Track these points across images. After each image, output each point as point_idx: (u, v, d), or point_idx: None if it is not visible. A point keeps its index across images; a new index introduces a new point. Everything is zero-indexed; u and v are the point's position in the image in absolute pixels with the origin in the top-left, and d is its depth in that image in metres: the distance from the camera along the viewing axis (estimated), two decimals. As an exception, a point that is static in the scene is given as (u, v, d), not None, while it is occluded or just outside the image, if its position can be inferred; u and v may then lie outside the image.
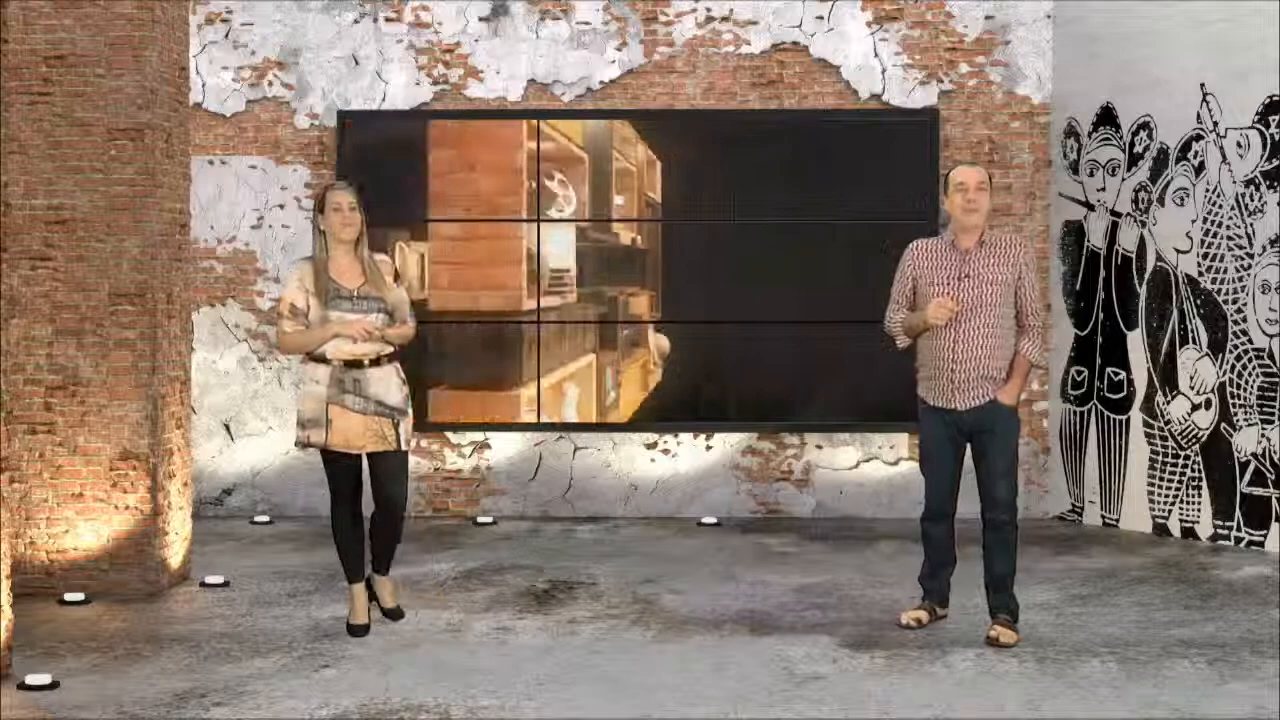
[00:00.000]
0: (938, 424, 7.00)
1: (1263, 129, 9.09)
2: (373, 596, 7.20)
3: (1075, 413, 10.19)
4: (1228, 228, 9.25)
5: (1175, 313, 9.52)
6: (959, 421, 6.94)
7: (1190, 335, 9.44)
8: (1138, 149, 9.78)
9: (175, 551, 8.11)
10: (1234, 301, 9.20)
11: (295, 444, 6.94)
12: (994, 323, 6.86)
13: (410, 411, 6.95)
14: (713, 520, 10.17)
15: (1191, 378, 9.43)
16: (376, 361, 6.81)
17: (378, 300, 6.82)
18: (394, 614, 7.17)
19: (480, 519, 10.20)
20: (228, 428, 10.50)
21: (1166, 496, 9.60)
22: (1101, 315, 9.98)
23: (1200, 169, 9.41)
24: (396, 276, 6.98)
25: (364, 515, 7.08)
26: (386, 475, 6.90)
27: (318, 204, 6.88)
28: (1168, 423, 9.57)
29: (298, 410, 6.89)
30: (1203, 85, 9.39)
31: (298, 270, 6.88)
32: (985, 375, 6.87)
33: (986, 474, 6.95)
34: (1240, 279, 9.17)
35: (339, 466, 6.91)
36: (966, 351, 6.87)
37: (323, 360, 6.78)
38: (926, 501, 7.17)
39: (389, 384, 6.84)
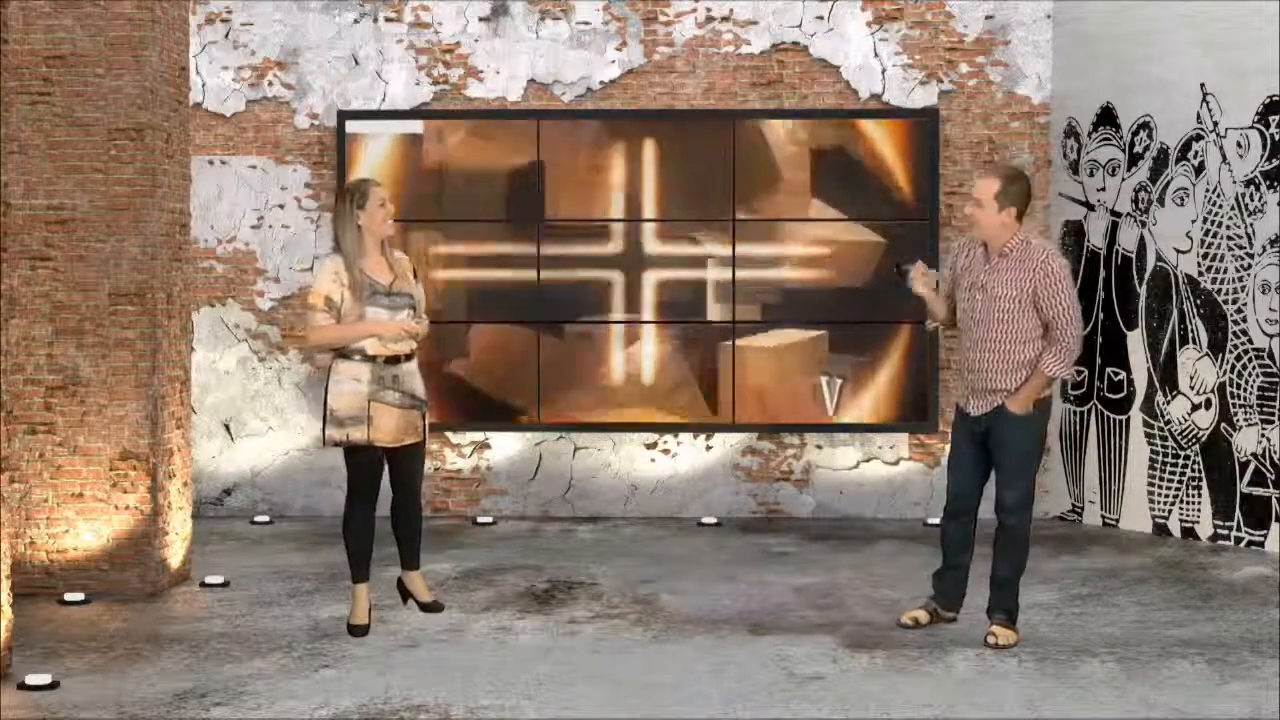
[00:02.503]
0: (960, 424, 7.14)
1: (1263, 129, 9.09)
2: (406, 596, 7.25)
3: (1075, 413, 10.19)
4: (1228, 228, 9.25)
5: (1175, 313, 9.52)
6: (975, 425, 7.03)
7: (1190, 335, 9.44)
8: (1138, 149, 9.78)
9: (175, 551, 8.11)
10: (1234, 301, 9.19)
11: (328, 443, 6.95)
12: (1004, 335, 6.87)
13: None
14: (713, 520, 10.17)
15: (1191, 378, 9.43)
16: (410, 356, 6.99)
17: (408, 297, 6.98)
18: (434, 607, 7.21)
19: (480, 519, 10.20)
20: (228, 428, 10.50)
21: (1166, 496, 9.60)
22: (1101, 315, 9.98)
23: (1200, 169, 9.41)
24: (415, 274, 7.14)
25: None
26: (410, 464, 7.07)
27: (355, 199, 6.92)
28: (1168, 423, 9.57)
29: (330, 409, 6.88)
30: (1203, 85, 9.39)
31: (331, 263, 6.92)
32: (992, 387, 6.93)
33: (997, 478, 7.04)
34: (1240, 279, 9.17)
35: (369, 462, 6.96)
36: (979, 360, 6.94)
37: (362, 358, 6.86)
38: (946, 499, 7.27)
39: (416, 377, 7.03)
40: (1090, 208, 10.09)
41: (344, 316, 6.83)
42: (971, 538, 7.20)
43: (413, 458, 7.07)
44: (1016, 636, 6.88)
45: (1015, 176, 6.97)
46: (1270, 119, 9.05)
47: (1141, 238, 9.74)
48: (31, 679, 6.15)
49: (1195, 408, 9.41)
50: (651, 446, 10.43)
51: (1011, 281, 6.85)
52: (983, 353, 6.91)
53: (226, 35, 10.44)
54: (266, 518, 10.25)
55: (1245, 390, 9.14)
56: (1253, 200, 9.13)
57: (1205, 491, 9.37)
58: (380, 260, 6.96)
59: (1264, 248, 9.06)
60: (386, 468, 7.03)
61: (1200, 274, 9.38)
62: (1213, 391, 9.31)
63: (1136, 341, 9.76)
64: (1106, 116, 9.97)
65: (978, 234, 6.95)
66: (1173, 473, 9.55)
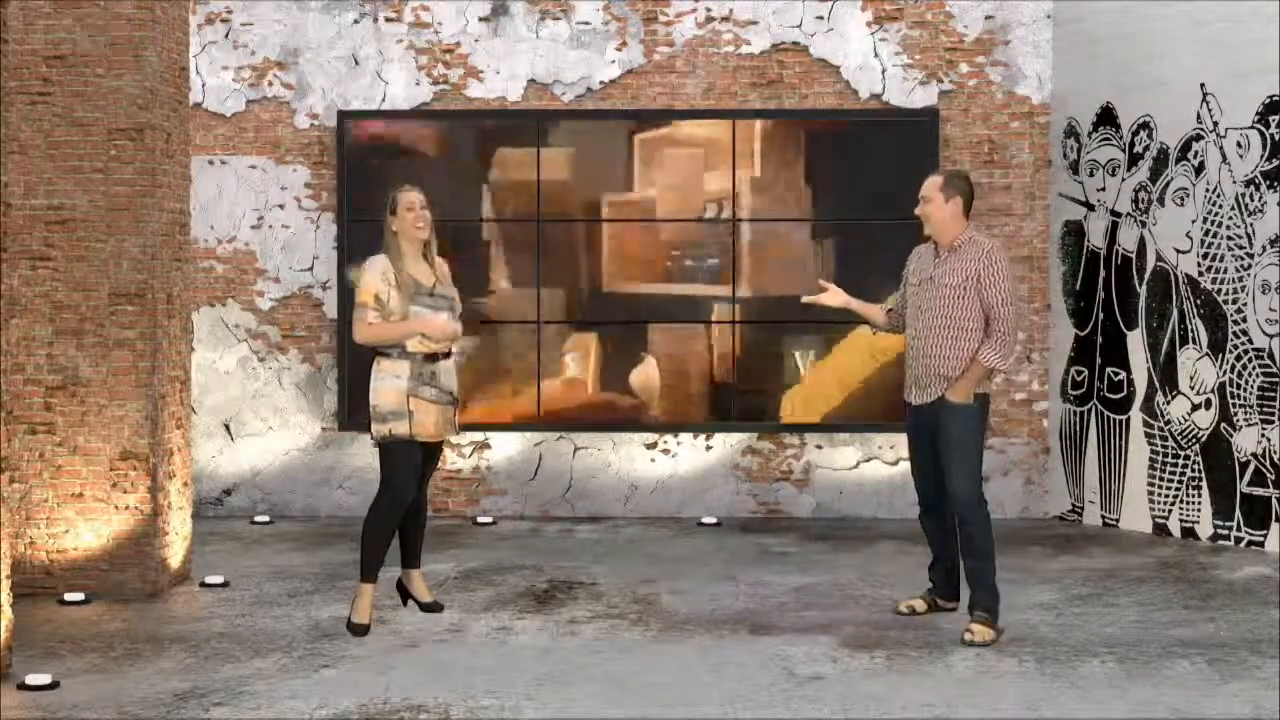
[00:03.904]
0: (910, 417, 7.31)
1: (1263, 129, 9.09)
2: (406, 597, 7.32)
3: (1075, 413, 10.19)
4: (1228, 228, 9.25)
5: (1175, 313, 9.52)
6: (920, 415, 7.19)
7: (1190, 335, 9.44)
8: (1138, 149, 9.78)
9: (175, 551, 8.11)
10: (1234, 301, 9.20)
11: (374, 439, 7.01)
12: (949, 325, 7.05)
13: None
14: (713, 520, 10.17)
15: (1191, 378, 9.43)
16: (448, 354, 7.10)
17: (449, 298, 7.13)
18: (434, 607, 7.32)
19: (480, 519, 10.20)
20: (228, 428, 10.50)
21: (1166, 496, 9.60)
22: (1101, 315, 9.98)
23: (1200, 169, 9.41)
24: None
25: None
26: (433, 459, 7.22)
27: (389, 205, 7.08)
28: (1168, 423, 9.57)
29: (374, 405, 6.98)
30: (1203, 85, 9.39)
31: (379, 263, 7.03)
32: (938, 374, 7.09)
33: (945, 470, 7.11)
34: (1240, 279, 9.18)
35: (409, 458, 7.02)
36: (923, 350, 7.14)
37: (401, 354, 6.97)
38: (917, 497, 7.42)
39: (453, 374, 7.14)
40: (1090, 208, 10.09)
41: (390, 315, 6.95)
42: (951, 528, 7.30)
43: (436, 453, 7.24)
44: (993, 633, 6.88)
45: (957, 172, 7.42)
46: (1270, 119, 9.05)
47: (1141, 238, 9.74)
48: (31, 679, 6.15)
49: (1195, 408, 9.41)
50: (651, 446, 10.43)
51: (958, 270, 7.07)
52: (927, 340, 7.09)
53: (226, 35, 10.44)
54: (266, 518, 10.25)
55: (1245, 390, 9.14)
56: (1253, 200, 9.13)
57: (1205, 491, 9.37)
58: (422, 263, 7.11)
59: (1264, 248, 9.06)
60: None
61: (1200, 274, 9.38)
62: (1213, 391, 9.31)
63: (1136, 341, 9.76)
64: (1106, 116, 9.97)
65: (929, 229, 7.20)
66: (1173, 473, 9.55)
